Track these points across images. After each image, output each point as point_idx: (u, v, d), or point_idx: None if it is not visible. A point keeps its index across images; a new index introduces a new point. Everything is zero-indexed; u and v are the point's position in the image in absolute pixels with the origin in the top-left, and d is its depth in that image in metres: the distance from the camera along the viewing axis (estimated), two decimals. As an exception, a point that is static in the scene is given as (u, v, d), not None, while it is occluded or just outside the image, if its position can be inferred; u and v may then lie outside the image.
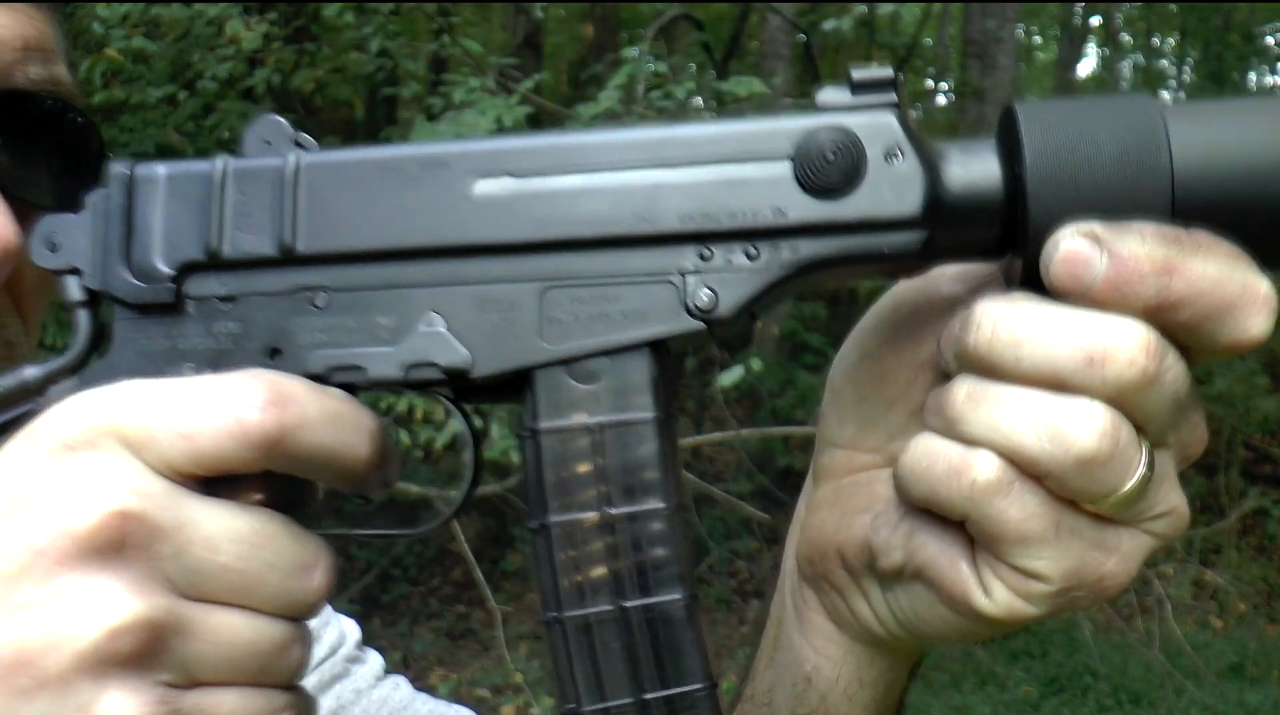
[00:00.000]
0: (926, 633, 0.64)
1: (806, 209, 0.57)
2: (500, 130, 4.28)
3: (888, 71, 0.59)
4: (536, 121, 5.62)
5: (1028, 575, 0.57)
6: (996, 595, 0.58)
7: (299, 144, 0.62)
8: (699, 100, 4.96)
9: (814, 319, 7.86)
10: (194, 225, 0.61)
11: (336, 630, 0.98)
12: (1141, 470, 0.55)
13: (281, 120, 0.63)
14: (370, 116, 8.72)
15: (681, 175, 0.58)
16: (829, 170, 0.57)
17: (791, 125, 0.58)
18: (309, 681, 0.92)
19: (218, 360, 0.60)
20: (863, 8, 9.70)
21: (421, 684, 1.00)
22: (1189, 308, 0.53)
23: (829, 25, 6.68)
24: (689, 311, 0.58)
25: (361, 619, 1.04)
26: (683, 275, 0.58)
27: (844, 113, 0.58)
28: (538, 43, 8.04)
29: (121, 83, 5.65)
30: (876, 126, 0.57)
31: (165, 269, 0.61)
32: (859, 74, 0.58)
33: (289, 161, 0.61)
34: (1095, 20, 13.49)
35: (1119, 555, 0.57)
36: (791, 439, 6.73)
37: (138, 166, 0.62)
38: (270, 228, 0.60)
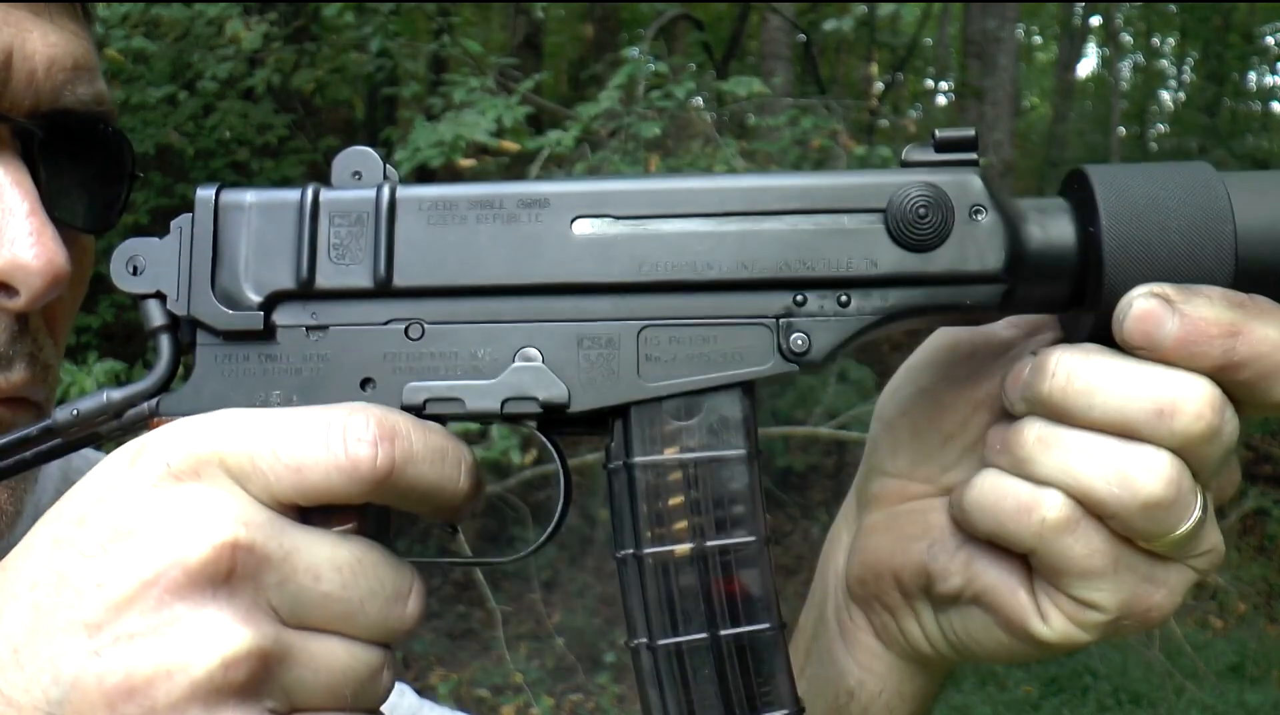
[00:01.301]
0: (977, 653, 0.69)
1: (898, 261, 0.60)
2: (499, 130, 4.28)
3: (970, 132, 0.62)
4: (536, 121, 5.62)
5: (1085, 605, 0.62)
6: (1054, 622, 0.63)
7: (387, 176, 0.63)
8: (699, 100, 4.95)
9: (814, 319, 7.83)
10: (284, 254, 0.61)
11: None
12: (1197, 513, 0.60)
13: (370, 151, 0.64)
14: (370, 116, 8.72)
15: (779, 223, 0.61)
16: (920, 225, 0.60)
17: (885, 180, 0.61)
18: None
19: (306, 389, 0.61)
20: (863, 8, 9.69)
21: (421, 684, 1.00)
22: (1250, 368, 0.58)
23: (829, 25, 6.67)
24: (783, 354, 0.61)
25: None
26: (778, 319, 0.61)
27: (931, 170, 0.61)
28: (538, 43, 8.04)
29: (121, 83, 5.65)
30: (963, 184, 0.61)
31: (254, 297, 0.61)
32: (943, 134, 0.62)
33: (383, 194, 0.62)
34: (1095, 20, 13.49)
35: (1167, 588, 0.62)
36: (791, 439, 6.73)
37: (225, 191, 0.62)
38: (365, 260, 0.61)
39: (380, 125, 8.26)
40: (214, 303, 0.61)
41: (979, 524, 0.64)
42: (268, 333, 0.61)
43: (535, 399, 0.61)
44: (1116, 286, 0.59)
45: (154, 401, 0.61)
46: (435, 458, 0.56)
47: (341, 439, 0.53)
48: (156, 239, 0.62)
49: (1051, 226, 0.62)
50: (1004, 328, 0.69)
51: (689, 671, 0.60)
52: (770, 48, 7.69)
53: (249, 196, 0.62)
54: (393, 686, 0.57)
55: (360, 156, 0.64)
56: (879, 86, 11.91)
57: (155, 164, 6.51)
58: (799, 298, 0.61)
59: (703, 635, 0.60)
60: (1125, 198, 0.60)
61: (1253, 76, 13.94)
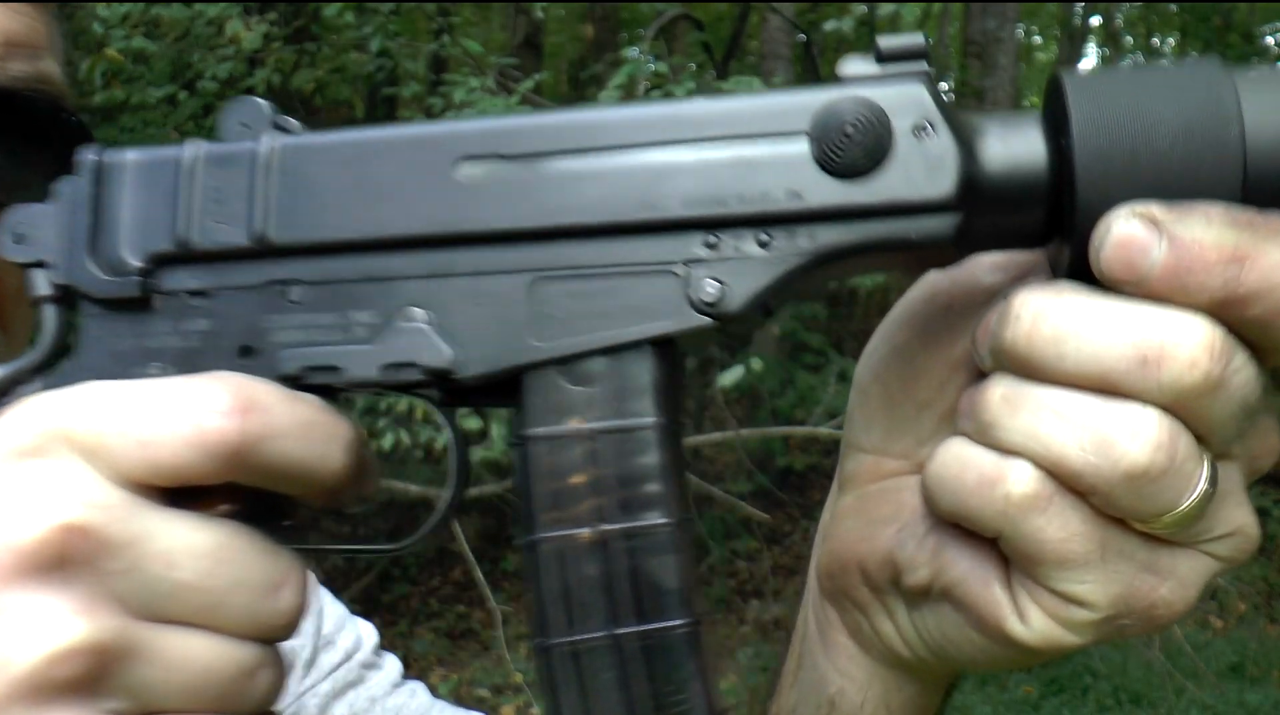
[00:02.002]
0: (955, 657, 0.58)
1: (825, 191, 0.51)
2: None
3: (918, 39, 0.53)
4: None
5: (1069, 600, 0.51)
6: (1033, 621, 0.52)
7: (279, 127, 0.58)
8: (699, 100, 4.96)
9: (814, 319, 7.85)
10: (164, 214, 0.57)
11: (353, 635, 0.96)
12: (1202, 486, 0.48)
13: (261, 102, 0.58)
14: (370, 116, 8.72)
15: (688, 155, 0.52)
16: (850, 148, 0.51)
17: (810, 99, 0.52)
18: (323, 688, 0.91)
19: (188, 360, 0.56)
20: (863, 8, 9.69)
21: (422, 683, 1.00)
22: (1262, 302, 0.47)
23: (829, 25, 6.67)
24: (694, 306, 0.52)
25: (361, 618, 1.04)
26: (687, 266, 0.53)
27: (869, 84, 0.52)
28: (538, 43, 8.04)
29: (121, 83, 5.65)
30: (904, 98, 0.51)
31: (133, 261, 0.57)
32: (886, 43, 0.52)
33: (264, 145, 0.56)
34: (1095, 20, 13.49)
35: (1174, 580, 0.51)
36: (791, 439, 6.73)
37: (106, 152, 0.58)
38: (243, 216, 0.56)
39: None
40: (94, 270, 0.57)
41: (940, 502, 0.53)
42: (146, 300, 0.57)
43: (417, 365, 0.54)
44: (1093, 209, 0.49)
45: (37, 380, 0.56)
46: (302, 433, 0.50)
47: (192, 411, 0.48)
48: (42, 205, 0.58)
49: (1018, 142, 0.51)
50: (987, 272, 0.57)
51: (586, 675, 0.52)
52: (770, 48, 7.69)
53: (130, 156, 0.58)
54: (279, 687, 0.52)
55: (247, 106, 0.58)
56: (879, 86, 11.90)
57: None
58: (711, 239, 0.52)
59: (601, 633, 0.52)
60: (1104, 100, 0.50)
61: (1253, 76, 13.93)
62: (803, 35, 7.34)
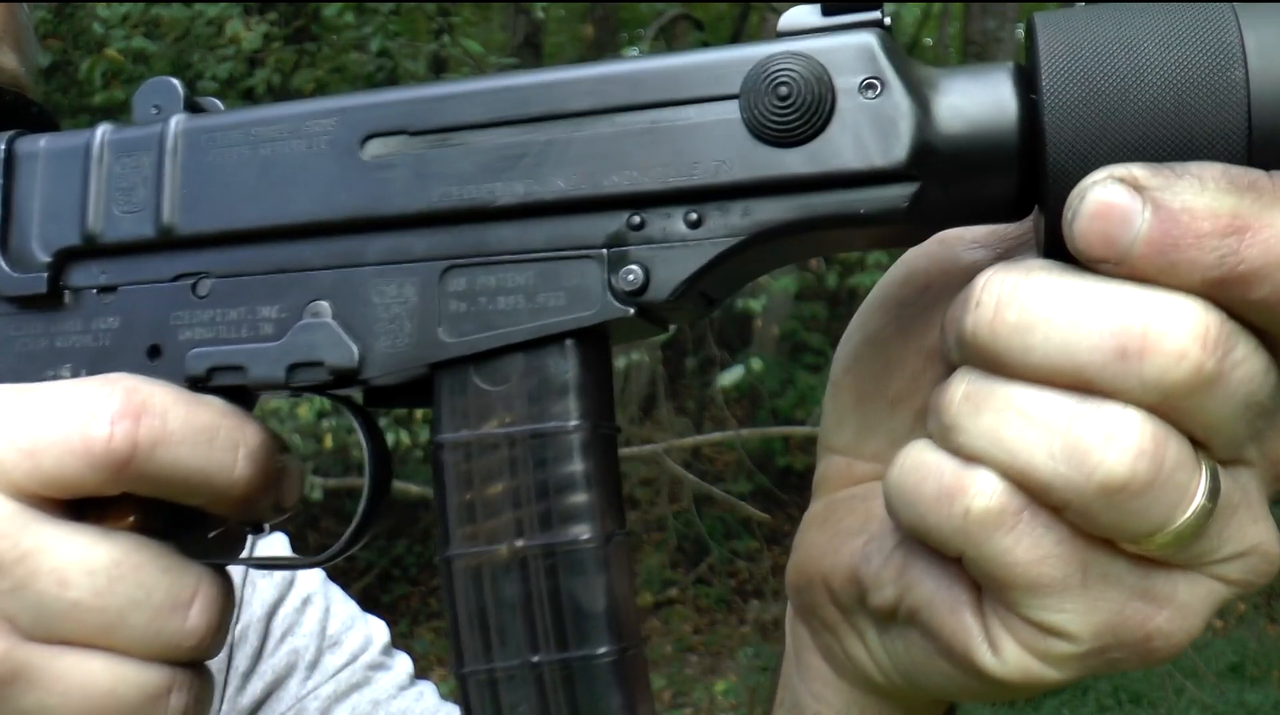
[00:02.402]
0: (928, 686, 0.51)
1: (758, 161, 0.45)
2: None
3: None
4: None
5: (1046, 631, 0.43)
6: (1007, 654, 0.45)
7: (196, 108, 0.54)
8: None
9: (814, 319, 7.84)
10: (73, 205, 0.53)
11: (362, 634, 0.93)
12: (1199, 501, 0.41)
13: (175, 82, 0.54)
14: (370, 116, 8.71)
15: (605, 125, 0.47)
16: (784, 109, 0.44)
17: (742, 56, 0.45)
18: (325, 690, 0.89)
19: (100, 361, 0.53)
20: (863, 8, 9.68)
21: (421, 684, 0.99)
22: (1268, 280, 0.39)
23: None
24: (615, 294, 0.47)
25: (362, 617, 1.03)
26: (607, 249, 0.47)
27: (810, 38, 0.45)
28: (538, 43, 8.03)
29: (121, 83, 5.64)
30: (847, 51, 0.44)
31: (42, 256, 0.53)
32: None
33: (169, 127, 0.52)
34: (1095, 20, 13.47)
35: (1173, 608, 0.43)
36: (791, 439, 6.73)
37: (19, 139, 0.55)
38: (150, 206, 0.52)
39: (380, 125, 8.26)
40: (1, 265, 0.53)
41: (899, 515, 0.46)
42: (54, 297, 0.53)
43: (323, 364, 0.50)
44: (1066, 173, 0.41)
45: None
46: (199, 439, 0.47)
47: (79, 418, 0.45)
48: None
49: (984, 98, 0.44)
50: (968, 248, 0.50)
51: (504, 707, 0.47)
52: (770, 48, 7.68)
53: (42, 143, 0.54)
54: (196, 710, 0.49)
55: (161, 87, 0.54)
56: (879, 86, 11.87)
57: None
58: (635, 219, 0.46)
59: (518, 661, 0.47)
60: (1081, 43, 0.42)
61: (1253, 76, 13.92)
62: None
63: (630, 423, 6.14)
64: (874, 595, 0.50)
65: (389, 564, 7.32)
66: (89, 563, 0.46)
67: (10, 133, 0.55)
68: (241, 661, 0.86)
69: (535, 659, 0.47)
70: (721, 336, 6.07)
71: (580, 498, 0.47)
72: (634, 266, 0.47)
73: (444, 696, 0.96)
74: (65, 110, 5.66)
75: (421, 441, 4.15)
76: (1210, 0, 0.42)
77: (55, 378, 0.52)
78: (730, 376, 4.27)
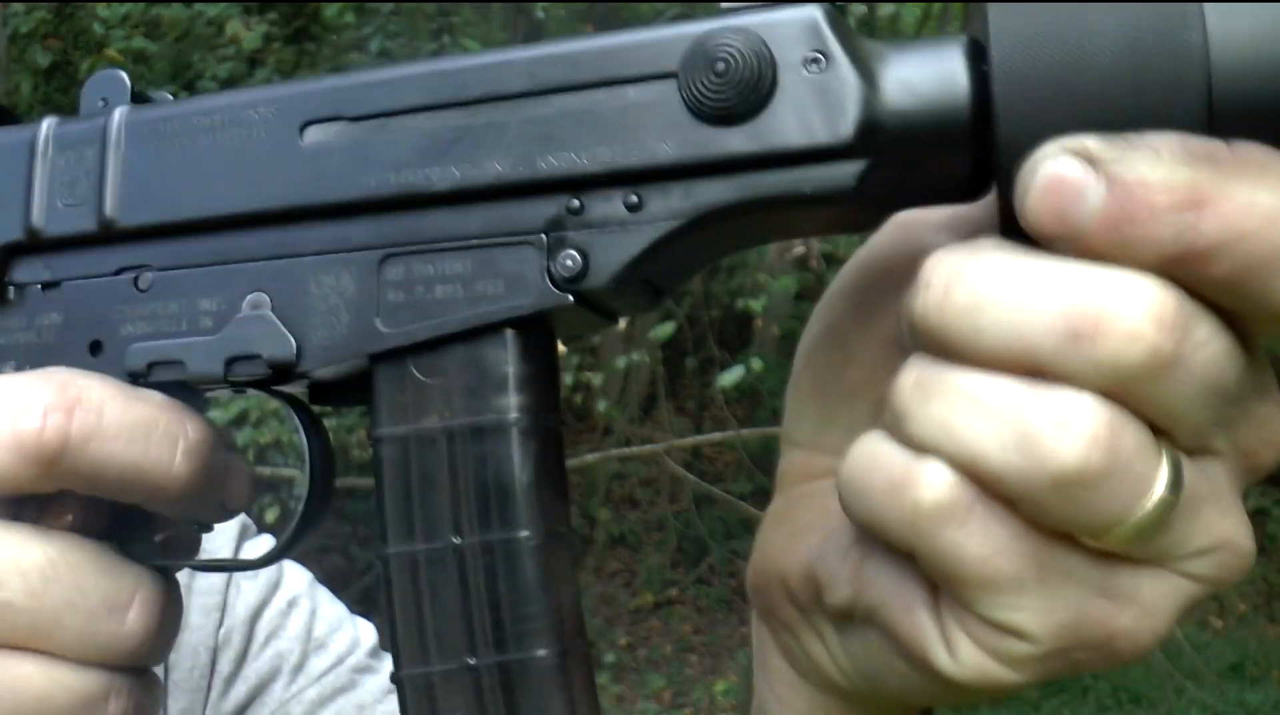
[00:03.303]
0: (888, 689, 0.48)
1: (697, 140, 0.43)
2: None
3: None
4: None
5: (1003, 630, 0.41)
6: (963, 655, 0.42)
7: (143, 100, 0.54)
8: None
9: (814, 319, 7.85)
10: (17, 199, 0.52)
11: (349, 636, 0.92)
12: (1160, 492, 0.38)
13: (122, 74, 0.54)
14: (370, 116, 8.72)
15: (541, 107, 0.45)
16: (721, 86, 0.42)
17: (681, 32, 0.44)
18: (309, 694, 0.88)
19: (40, 357, 0.52)
20: (863, 8, 9.68)
21: (422, 684, 0.99)
22: (1228, 256, 0.36)
23: None
24: (554, 281, 0.45)
25: (359, 617, 1.03)
26: (545, 235, 0.45)
27: (751, 11, 0.43)
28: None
29: (122, 83, 5.65)
30: (790, 25, 0.42)
31: None
32: None
33: (112, 119, 0.52)
34: (1095, 20, 13.49)
35: (1138, 607, 0.41)
36: (791, 439, 6.72)
37: None
38: (93, 199, 0.51)
39: (380, 125, 8.26)
40: None
41: (852, 509, 0.43)
42: (2, 293, 0.53)
43: (260, 357, 0.48)
44: (1016, 145, 0.39)
45: None
46: (135, 434, 0.46)
47: (10, 411, 0.44)
48: None
49: (933, 71, 0.42)
50: (931, 232, 0.48)
51: (441, 711, 0.46)
52: (770, 48, 7.67)
53: None
54: (137, 713, 0.47)
55: (108, 81, 0.54)
56: (879, 86, 11.88)
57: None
58: (574, 203, 0.45)
59: (455, 665, 0.45)
60: (1030, 11, 0.39)
61: (1253, 76, 13.93)
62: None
63: (630, 423, 6.14)
64: (830, 594, 0.48)
65: (389, 564, 7.32)
66: (21, 562, 0.45)
67: None
68: (225, 665, 0.85)
69: (472, 661, 0.45)
70: (721, 336, 6.07)
71: (520, 494, 0.45)
72: (572, 251, 0.45)
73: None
74: (65, 110, 5.66)
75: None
76: None
77: None
78: (730, 376, 4.27)
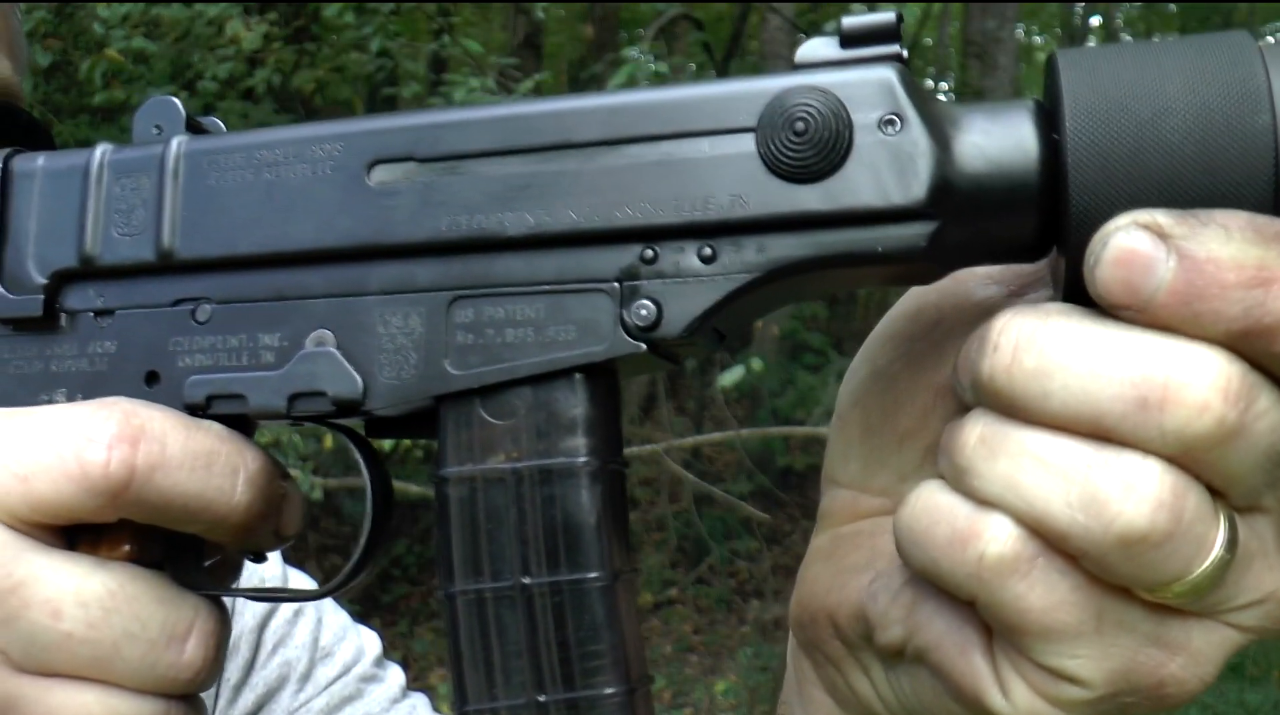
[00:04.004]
0: None
1: (774, 196, 0.44)
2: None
3: (889, 17, 0.45)
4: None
5: (1059, 676, 0.43)
6: (1017, 698, 0.44)
7: (197, 128, 0.53)
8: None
9: (814, 319, 7.85)
10: (70, 226, 0.52)
11: (354, 645, 0.92)
12: (1217, 552, 0.40)
13: (175, 101, 0.53)
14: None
15: (617, 157, 0.46)
16: (800, 145, 0.44)
17: (760, 89, 0.45)
18: (317, 704, 0.88)
19: (91, 386, 0.52)
20: (863, 8, 9.69)
21: (421, 684, 0.99)
22: None
23: (829, 26, 6.67)
24: (627, 329, 0.46)
25: (361, 619, 1.01)
26: (620, 283, 0.46)
27: (828, 71, 0.44)
28: (538, 43, 8.04)
29: (122, 83, 5.64)
30: (866, 86, 0.44)
31: (38, 278, 0.53)
32: (851, 22, 0.45)
33: (170, 148, 0.52)
34: (1095, 20, 13.49)
35: (1187, 655, 0.43)
36: (791, 439, 6.73)
37: (15, 158, 0.54)
38: (150, 229, 0.51)
39: (380, 125, 8.25)
40: None
41: (912, 557, 0.45)
42: (50, 319, 0.52)
43: (325, 395, 0.49)
44: (1088, 216, 0.41)
45: None
46: (197, 465, 0.46)
47: (75, 443, 0.45)
48: None
49: (1004, 136, 0.43)
50: (980, 284, 0.50)
51: None
52: (770, 48, 7.69)
53: (40, 162, 0.53)
54: None
55: (162, 107, 0.53)
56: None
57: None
58: (648, 253, 0.46)
59: (523, 701, 0.46)
60: (1104, 85, 0.41)
61: (1253, 76, 13.91)
62: (803, 35, 7.33)
63: (630, 423, 6.14)
64: (881, 633, 0.49)
65: (389, 564, 7.33)
66: (83, 594, 0.45)
67: (7, 150, 0.54)
68: (233, 673, 0.86)
69: (541, 698, 0.46)
70: (721, 336, 6.06)
71: (588, 535, 0.46)
72: (646, 301, 0.46)
73: (443, 698, 0.95)
74: (65, 110, 5.66)
75: (420, 441, 4.15)
76: (1236, 39, 0.41)
77: (50, 402, 0.51)
78: (730, 376, 4.27)
